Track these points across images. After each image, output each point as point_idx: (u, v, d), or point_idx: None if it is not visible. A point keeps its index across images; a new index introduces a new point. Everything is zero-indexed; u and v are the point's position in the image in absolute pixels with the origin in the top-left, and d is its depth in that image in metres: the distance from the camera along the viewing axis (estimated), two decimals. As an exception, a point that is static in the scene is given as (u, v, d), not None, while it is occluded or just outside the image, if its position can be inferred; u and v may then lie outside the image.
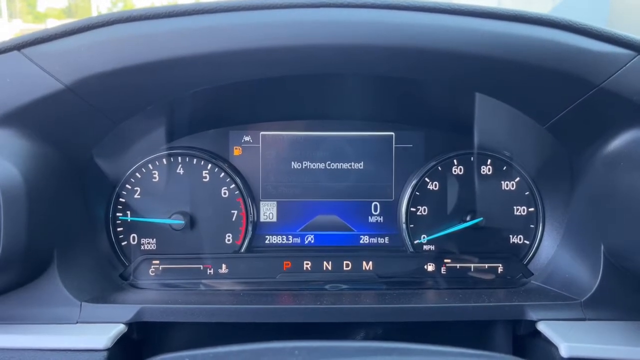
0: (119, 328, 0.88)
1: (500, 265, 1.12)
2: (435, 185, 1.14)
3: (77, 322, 0.89)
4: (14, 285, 0.89)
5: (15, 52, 0.84)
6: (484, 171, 1.13)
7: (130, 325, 0.90)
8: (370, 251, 1.14)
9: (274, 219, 1.15)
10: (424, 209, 1.13)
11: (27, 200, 0.85)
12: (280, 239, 1.15)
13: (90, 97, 0.87)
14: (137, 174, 1.11)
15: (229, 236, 1.13)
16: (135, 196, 1.11)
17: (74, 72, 0.84)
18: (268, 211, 1.14)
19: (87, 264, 1.00)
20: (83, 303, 0.91)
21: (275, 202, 1.14)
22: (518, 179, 1.13)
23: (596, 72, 0.84)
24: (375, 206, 1.15)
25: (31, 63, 0.83)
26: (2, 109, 0.85)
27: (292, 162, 1.14)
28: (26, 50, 0.83)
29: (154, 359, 0.68)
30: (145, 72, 0.85)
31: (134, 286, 1.06)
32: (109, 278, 1.05)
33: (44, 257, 0.91)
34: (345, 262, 1.12)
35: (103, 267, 1.06)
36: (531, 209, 1.13)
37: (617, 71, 0.83)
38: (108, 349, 0.84)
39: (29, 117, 0.86)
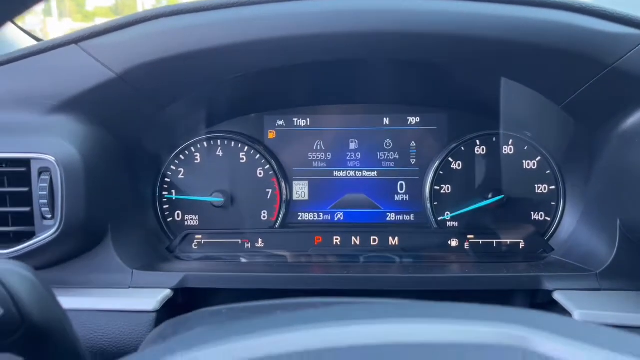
0: (166, 293, 0.98)
1: (522, 240, 1.17)
2: (459, 164, 1.19)
3: (129, 287, 0.99)
4: (73, 254, 1.00)
5: (73, 45, 0.94)
6: (505, 151, 1.18)
7: (175, 290, 0.99)
8: (396, 227, 1.21)
9: (306, 198, 1.22)
10: (448, 187, 1.19)
11: (85, 178, 0.95)
12: (312, 216, 1.23)
13: (138, 85, 0.96)
14: (181, 156, 1.21)
15: (264, 213, 1.21)
16: (179, 176, 1.21)
17: (124, 62, 0.93)
18: (300, 190, 1.22)
19: (137, 237, 1.11)
20: (134, 270, 1.01)
21: (307, 182, 1.22)
22: (539, 158, 1.18)
23: (608, 52, 0.88)
24: (401, 185, 1.21)
25: (87, 55, 0.93)
26: (61, 96, 0.96)
27: (323, 145, 1.22)
28: (83, 44, 0.94)
29: (196, 312, 0.76)
30: (188, 60, 0.94)
31: (178, 258, 1.16)
32: (156, 250, 1.15)
33: (99, 230, 1.02)
34: (372, 237, 1.19)
35: (151, 241, 1.16)
36: (552, 187, 1.17)
37: (629, 51, 0.87)
38: (156, 311, 0.94)
39: (85, 104, 0.96)
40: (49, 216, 0.94)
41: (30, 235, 0.95)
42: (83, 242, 1.00)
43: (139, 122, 1.06)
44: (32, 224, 0.95)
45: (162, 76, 0.97)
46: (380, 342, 0.39)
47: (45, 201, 0.93)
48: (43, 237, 0.94)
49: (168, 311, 0.96)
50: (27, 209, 0.95)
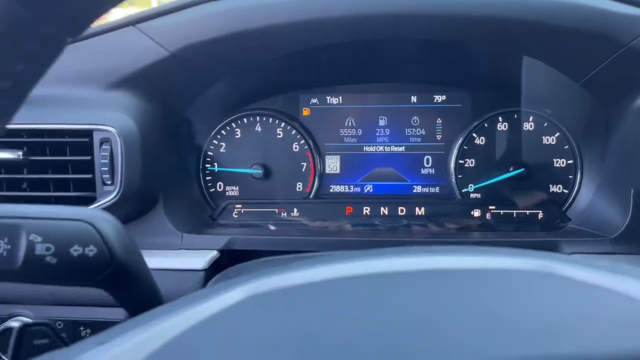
0: (213, 254, 1.07)
1: (541, 211, 1.25)
2: (482, 140, 1.27)
3: (179, 249, 1.09)
4: (130, 218, 1.10)
5: (131, 27, 1.03)
6: (526, 127, 1.26)
7: (221, 252, 1.09)
8: (422, 199, 1.29)
9: (338, 171, 1.31)
10: (472, 161, 1.27)
11: (141, 148, 1.05)
12: (343, 188, 1.31)
13: (189, 63, 1.05)
14: (222, 131, 1.30)
15: (299, 185, 1.30)
16: (221, 150, 1.30)
17: (177, 42, 1.02)
18: (332, 164, 1.31)
19: (184, 205, 1.21)
20: (184, 234, 1.11)
21: (338, 156, 1.31)
22: (558, 134, 1.25)
23: (624, 32, 0.95)
24: (427, 159, 1.29)
25: (144, 35, 1.03)
26: (120, 73, 1.05)
27: (354, 122, 1.30)
28: (140, 25, 1.03)
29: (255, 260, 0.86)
30: (235, 40, 1.03)
31: (221, 225, 1.26)
32: (200, 218, 1.25)
33: (152, 197, 1.11)
34: (400, 207, 1.28)
35: (196, 209, 1.26)
36: (570, 161, 1.24)
37: (644, 31, 0.94)
38: (205, 270, 1.04)
39: (140, 80, 1.06)
40: (109, 182, 1.04)
41: (92, 200, 1.05)
42: (138, 207, 1.10)
43: (187, 98, 1.15)
44: (94, 190, 1.05)
45: (211, 55, 1.06)
46: (416, 268, 0.46)
47: (107, 169, 1.02)
48: (104, 201, 1.04)
49: (215, 271, 1.06)
50: (89, 176, 1.05)
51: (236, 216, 1.29)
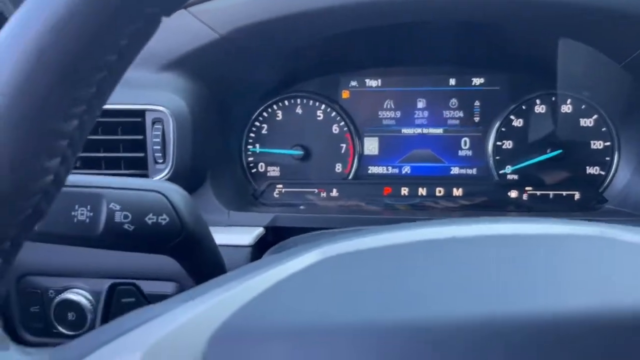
0: (259, 230, 1.11)
1: (577, 192, 1.27)
2: (520, 122, 1.29)
3: (227, 225, 1.13)
4: (179, 196, 1.14)
5: (183, 10, 1.07)
6: (564, 109, 1.27)
7: (267, 229, 1.13)
8: (459, 180, 1.31)
9: (376, 152, 1.34)
10: (509, 143, 1.29)
11: (192, 128, 1.09)
12: (382, 170, 1.34)
13: (236, 45, 1.09)
14: (264, 113, 1.33)
15: (338, 166, 1.33)
16: (263, 131, 1.33)
17: (227, 24, 1.06)
18: (371, 145, 1.34)
19: (230, 184, 1.25)
20: (230, 211, 1.15)
21: (377, 138, 1.33)
22: (596, 116, 1.26)
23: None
24: (465, 141, 1.32)
25: (195, 19, 1.06)
26: (171, 56, 1.09)
27: (392, 104, 1.33)
28: (192, 9, 1.06)
29: (299, 236, 0.89)
30: (280, 23, 1.06)
31: (263, 204, 1.30)
32: (244, 198, 1.29)
33: (201, 175, 1.15)
34: (437, 188, 1.30)
35: (239, 189, 1.30)
36: (607, 143, 1.26)
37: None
38: (251, 245, 1.08)
39: (191, 62, 1.09)
40: (161, 161, 1.08)
41: (143, 178, 1.09)
42: (188, 185, 1.12)
43: (232, 80, 1.19)
44: (145, 169, 1.09)
45: (258, 38, 1.09)
46: (481, 234, 0.48)
47: (159, 147, 1.06)
48: (156, 179, 1.08)
49: (260, 247, 1.10)
50: (141, 155, 1.09)
51: (277, 196, 1.33)
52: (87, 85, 0.40)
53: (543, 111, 1.28)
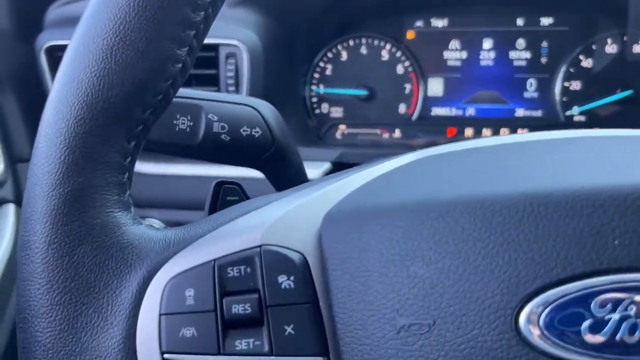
0: (327, 165, 1.14)
1: (647, 134, 1.24)
2: (589, 62, 1.26)
3: (295, 160, 1.16)
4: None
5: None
6: (635, 49, 1.24)
7: (334, 164, 1.15)
8: (525, 121, 1.31)
9: (440, 94, 1.34)
10: (577, 84, 1.27)
11: (264, 63, 1.11)
12: (445, 111, 1.34)
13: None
14: (329, 54, 1.34)
15: (402, 106, 1.34)
16: (327, 72, 1.35)
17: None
18: (435, 86, 1.33)
19: (296, 121, 1.27)
20: (298, 146, 1.17)
21: (442, 79, 1.33)
22: (670, 55, 1.23)
23: None
24: (531, 83, 1.30)
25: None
26: (244, -10, 1.11)
27: (458, 44, 1.32)
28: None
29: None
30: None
31: (327, 144, 1.32)
32: (308, 137, 1.32)
33: (270, 111, 1.18)
34: (502, 129, 1.30)
35: (304, 128, 1.32)
36: (681, 84, 1.23)
37: None
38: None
39: (262, -1, 1.11)
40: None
41: None
42: (258, 119, 1.16)
43: (302, 17, 1.20)
44: (218, 102, 1.12)
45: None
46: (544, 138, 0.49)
47: (233, 81, 1.09)
48: (230, 109, 1.11)
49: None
50: (215, 89, 1.12)
51: (339, 137, 1.35)
52: None
53: (613, 51, 1.25)
